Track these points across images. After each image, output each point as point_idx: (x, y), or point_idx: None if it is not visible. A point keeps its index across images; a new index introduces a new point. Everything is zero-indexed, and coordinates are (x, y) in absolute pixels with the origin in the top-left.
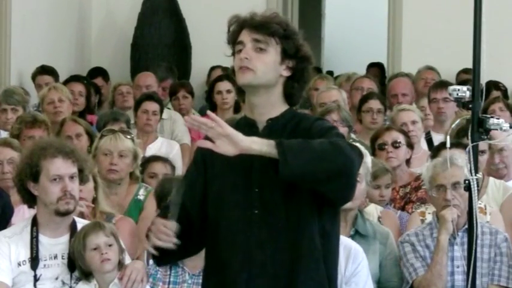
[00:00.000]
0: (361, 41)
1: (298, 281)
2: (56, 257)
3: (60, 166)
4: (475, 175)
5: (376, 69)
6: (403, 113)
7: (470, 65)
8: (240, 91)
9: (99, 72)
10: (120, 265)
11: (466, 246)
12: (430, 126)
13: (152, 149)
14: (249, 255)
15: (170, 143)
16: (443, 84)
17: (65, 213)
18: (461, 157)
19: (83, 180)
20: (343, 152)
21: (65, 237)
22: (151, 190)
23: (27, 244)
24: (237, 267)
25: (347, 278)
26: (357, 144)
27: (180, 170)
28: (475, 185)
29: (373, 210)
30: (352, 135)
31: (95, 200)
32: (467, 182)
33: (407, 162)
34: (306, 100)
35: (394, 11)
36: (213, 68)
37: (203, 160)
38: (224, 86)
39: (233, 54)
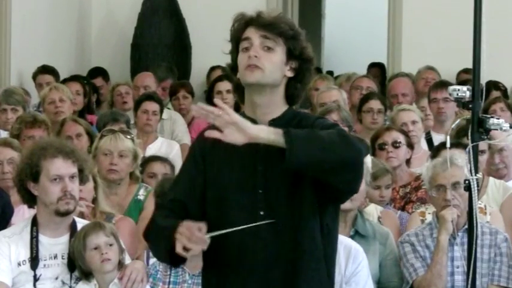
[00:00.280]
0: (361, 41)
1: (299, 280)
2: (55, 257)
3: (60, 166)
4: (475, 175)
5: (376, 70)
6: (403, 113)
7: (470, 65)
8: (237, 90)
9: (99, 72)
10: (120, 265)
11: (466, 247)
12: (430, 126)
13: (152, 149)
14: (252, 256)
15: (170, 143)
16: (443, 84)
17: (65, 213)
18: (461, 157)
19: (82, 180)
20: (351, 142)
21: (65, 237)
22: (151, 190)
23: (27, 244)
24: (238, 268)
25: (347, 277)
26: None
27: None
28: (475, 185)
29: (373, 210)
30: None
31: (95, 200)
32: (467, 182)
33: (408, 162)
34: (306, 100)
35: (394, 11)
36: (213, 68)
37: (202, 157)
38: (224, 86)
39: (232, 51)
